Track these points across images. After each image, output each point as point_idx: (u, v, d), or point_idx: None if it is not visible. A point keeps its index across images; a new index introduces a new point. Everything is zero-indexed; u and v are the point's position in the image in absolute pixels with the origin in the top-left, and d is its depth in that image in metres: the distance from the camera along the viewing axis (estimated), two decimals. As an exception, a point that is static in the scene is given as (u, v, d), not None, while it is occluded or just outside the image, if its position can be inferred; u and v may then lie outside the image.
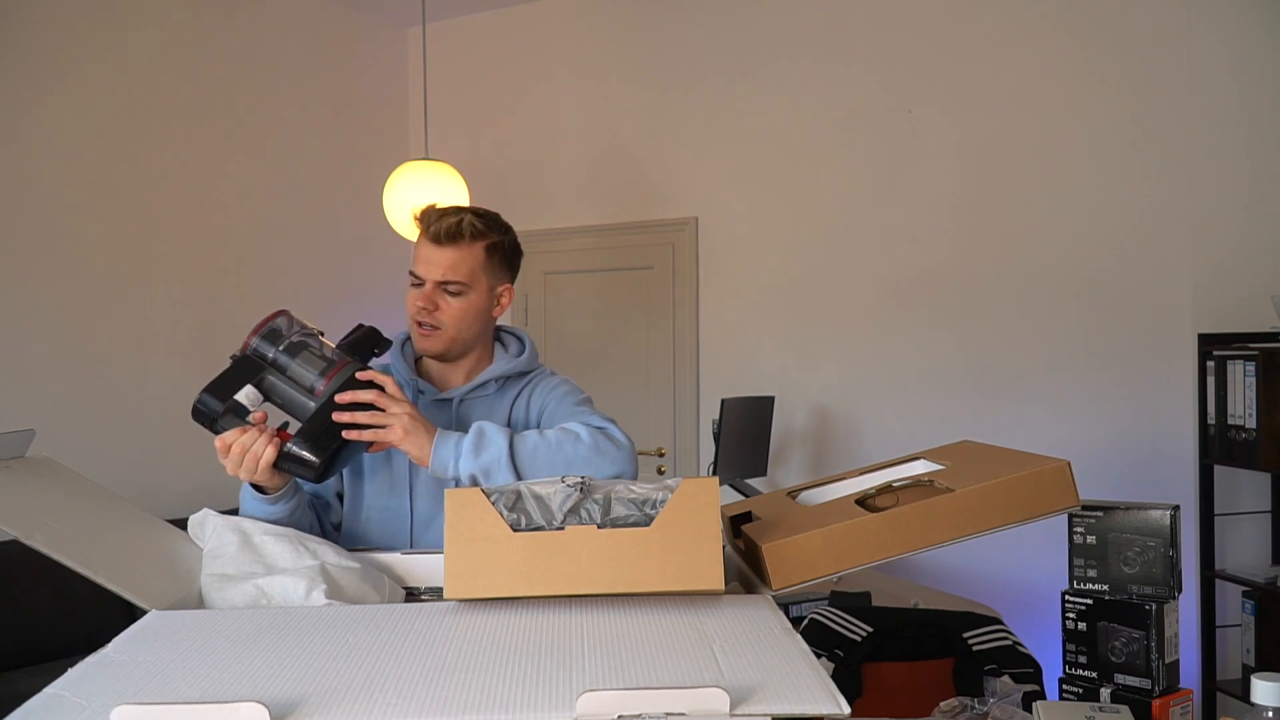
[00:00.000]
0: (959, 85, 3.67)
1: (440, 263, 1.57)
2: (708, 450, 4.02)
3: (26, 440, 1.34)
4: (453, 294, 1.58)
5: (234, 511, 1.40)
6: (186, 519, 1.36)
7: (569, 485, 1.12)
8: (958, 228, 3.68)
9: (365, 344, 1.45)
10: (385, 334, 1.51)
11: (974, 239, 3.65)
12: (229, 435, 1.36)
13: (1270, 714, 0.87)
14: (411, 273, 1.60)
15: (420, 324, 1.59)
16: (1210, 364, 3.05)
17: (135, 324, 3.80)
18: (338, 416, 1.38)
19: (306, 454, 1.36)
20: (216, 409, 1.38)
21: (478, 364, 1.68)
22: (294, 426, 1.40)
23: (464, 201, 3.67)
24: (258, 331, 1.42)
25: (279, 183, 4.36)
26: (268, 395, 1.41)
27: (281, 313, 1.46)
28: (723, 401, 3.48)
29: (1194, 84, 3.26)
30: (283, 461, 1.37)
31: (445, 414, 1.62)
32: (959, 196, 3.67)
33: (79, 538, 1.20)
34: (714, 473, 3.40)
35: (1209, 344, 3.08)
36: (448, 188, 3.61)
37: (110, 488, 1.41)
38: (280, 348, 1.41)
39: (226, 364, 1.42)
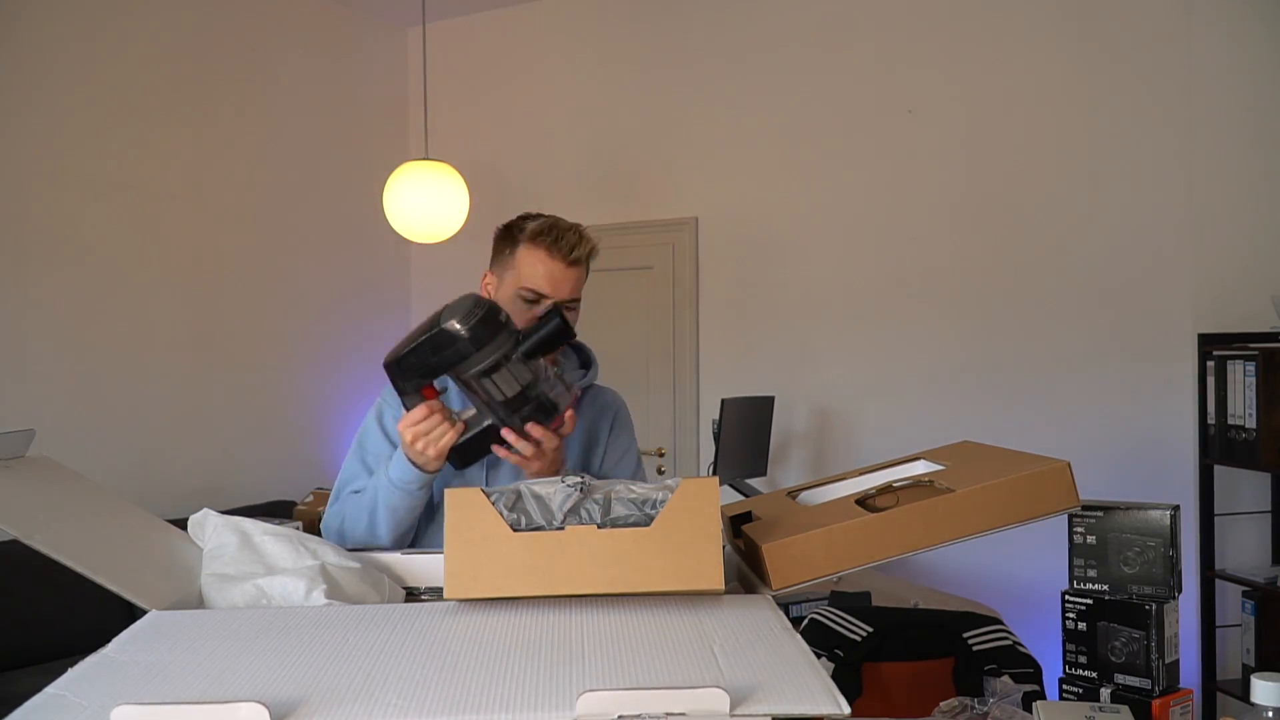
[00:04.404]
0: (959, 85, 3.67)
1: (569, 282, 1.61)
2: (708, 450, 4.02)
3: (27, 440, 1.33)
4: (571, 309, 1.63)
5: (234, 511, 1.40)
6: (186, 519, 1.36)
7: (569, 485, 1.12)
8: (958, 227, 3.68)
9: (554, 343, 1.43)
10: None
11: (974, 239, 3.65)
12: (416, 414, 1.42)
13: (1270, 714, 0.87)
14: (528, 289, 1.59)
15: None
16: (1210, 364, 3.05)
17: (135, 323, 3.80)
18: (501, 451, 1.45)
19: (483, 449, 1.45)
20: (408, 386, 1.42)
21: None
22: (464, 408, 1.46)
23: (463, 202, 3.67)
24: (466, 318, 1.36)
25: (279, 182, 4.36)
26: (471, 380, 1.41)
27: (491, 304, 1.40)
28: (723, 401, 3.48)
29: (1194, 84, 3.26)
30: (457, 448, 1.44)
31: None
32: (959, 196, 3.68)
33: (79, 538, 1.20)
34: (714, 473, 3.40)
35: (1209, 344, 3.08)
36: (448, 188, 3.62)
37: (110, 488, 1.41)
38: (509, 351, 1.38)
39: (424, 322, 1.39)
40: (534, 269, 1.59)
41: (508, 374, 1.39)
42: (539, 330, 1.40)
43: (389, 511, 1.53)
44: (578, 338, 1.80)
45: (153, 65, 3.88)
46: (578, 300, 1.64)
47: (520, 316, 1.58)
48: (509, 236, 1.64)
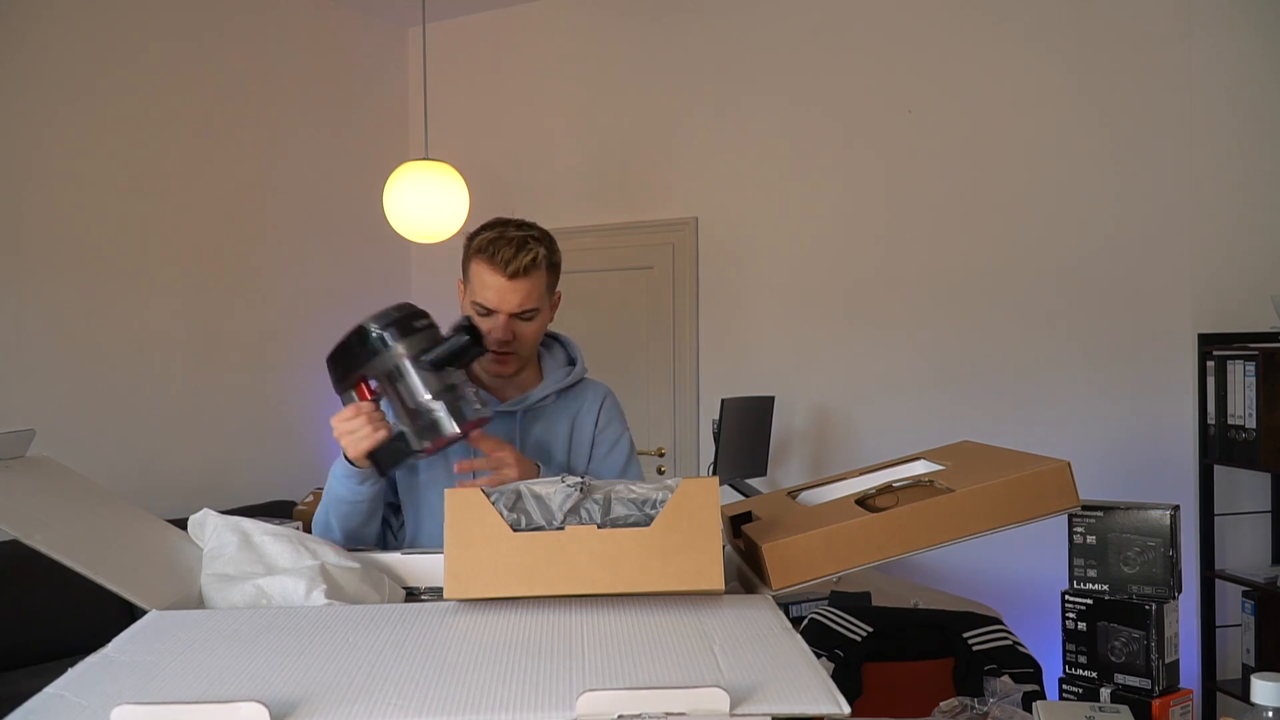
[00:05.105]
0: (959, 85, 3.67)
1: (515, 296, 1.58)
2: (708, 450, 4.02)
3: (26, 440, 1.33)
4: (527, 320, 1.61)
5: (234, 511, 1.40)
6: (186, 519, 1.36)
7: (569, 485, 1.12)
8: (957, 227, 3.68)
9: (459, 357, 1.45)
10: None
11: (974, 238, 3.65)
12: (345, 413, 1.46)
13: (1270, 714, 0.87)
14: (478, 303, 1.59)
15: (497, 352, 1.61)
16: (1210, 364, 3.05)
17: (135, 324, 3.80)
18: (460, 470, 1.51)
19: (397, 455, 1.48)
20: (341, 385, 1.47)
21: (530, 371, 1.72)
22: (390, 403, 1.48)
23: (463, 202, 3.67)
24: (381, 316, 1.42)
25: (279, 182, 4.36)
26: (385, 383, 1.45)
27: (415, 311, 1.45)
28: (723, 401, 3.48)
29: (1194, 84, 3.26)
30: (375, 453, 1.48)
31: (508, 425, 1.66)
32: (959, 196, 3.67)
33: (79, 538, 1.20)
34: (714, 473, 3.40)
35: (1209, 344, 3.08)
36: (448, 188, 3.61)
37: (110, 488, 1.41)
38: (415, 355, 1.41)
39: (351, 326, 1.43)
40: (481, 281, 1.59)
41: (415, 380, 1.41)
42: (444, 343, 1.42)
43: (335, 503, 1.56)
44: (567, 334, 1.81)
45: (153, 65, 3.88)
46: (534, 310, 1.61)
47: (480, 327, 1.59)
48: (467, 247, 1.64)
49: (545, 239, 1.64)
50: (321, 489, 4.49)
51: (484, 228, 1.64)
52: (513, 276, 1.57)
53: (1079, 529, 1.39)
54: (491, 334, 1.58)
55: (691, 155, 4.24)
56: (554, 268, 1.66)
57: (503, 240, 1.58)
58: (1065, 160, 3.48)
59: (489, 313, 1.59)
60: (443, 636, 0.98)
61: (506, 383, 1.69)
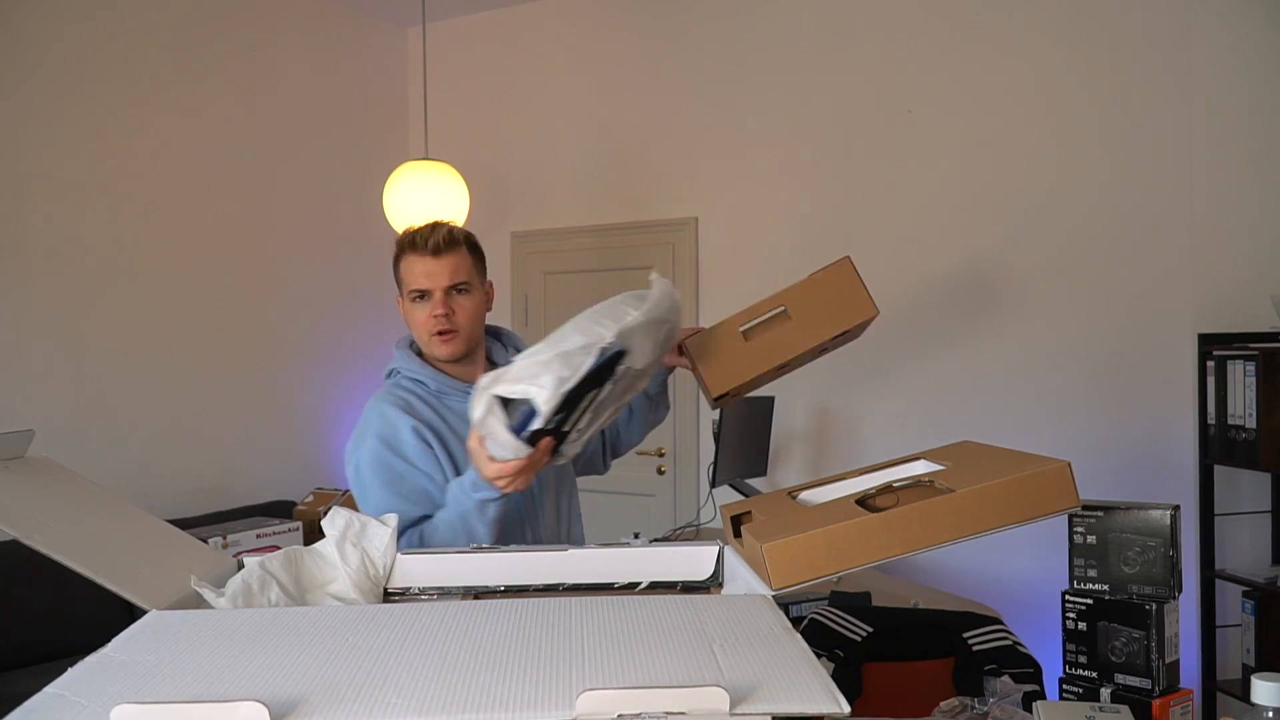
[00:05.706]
0: (959, 85, 3.67)
1: (443, 270, 1.69)
2: (708, 451, 4.02)
3: (26, 440, 1.33)
4: (462, 293, 1.71)
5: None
6: (186, 519, 1.36)
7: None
8: (957, 227, 3.68)
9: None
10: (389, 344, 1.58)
11: (973, 238, 3.65)
12: (517, 464, 1.40)
13: (1270, 714, 0.87)
14: (413, 290, 1.70)
15: (440, 332, 1.69)
16: (1210, 364, 3.05)
17: (135, 324, 3.80)
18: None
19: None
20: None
21: (482, 365, 1.78)
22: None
23: (463, 202, 3.67)
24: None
25: (279, 183, 4.36)
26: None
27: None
28: (723, 401, 3.47)
29: (1194, 84, 3.26)
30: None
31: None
32: (958, 196, 3.67)
33: (79, 538, 1.20)
34: (714, 473, 3.40)
35: (1209, 344, 3.08)
36: (448, 188, 3.62)
37: (110, 488, 1.41)
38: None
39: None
40: (410, 271, 1.70)
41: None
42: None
43: (490, 524, 1.53)
44: (507, 326, 1.89)
45: (152, 65, 3.88)
46: (464, 283, 1.70)
47: (417, 315, 1.70)
48: (394, 259, 1.75)
49: (457, 227, 1.75)
50: (322, 489, 4.47)
51: (401, 235, 1.76)
52: (436, 253, 1.68)
53: (1079, 529, 1.39)
54: (432, 313, 1.68)
55: (691, 155, 4.24)
56: (476, 250, 1.76)
57: (419, 230, 1.72)
58: (1065, 159, 3.48)
59: (424, 295, 1.69)
60: (442, 636, 0.98)
61: (472, 368, 1.75)
